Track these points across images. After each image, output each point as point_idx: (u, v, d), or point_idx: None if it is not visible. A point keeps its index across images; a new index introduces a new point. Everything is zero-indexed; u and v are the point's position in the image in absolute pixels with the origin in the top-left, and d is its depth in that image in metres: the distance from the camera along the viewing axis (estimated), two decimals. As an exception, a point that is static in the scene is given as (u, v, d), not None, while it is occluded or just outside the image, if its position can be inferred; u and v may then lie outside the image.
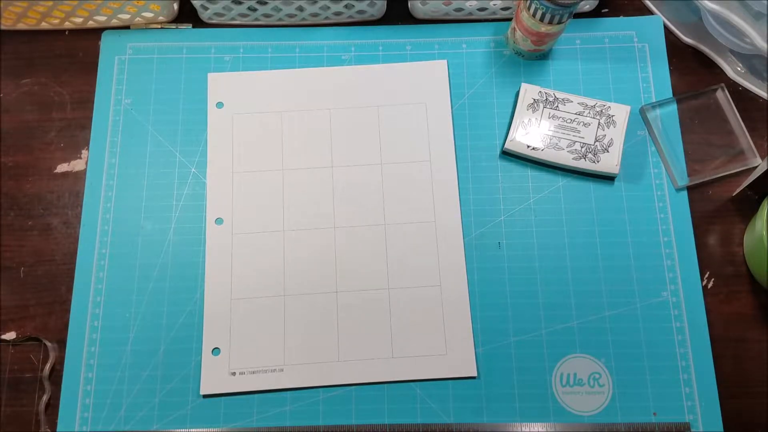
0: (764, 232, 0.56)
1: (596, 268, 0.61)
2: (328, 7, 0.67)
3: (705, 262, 0.62)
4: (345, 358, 0.59)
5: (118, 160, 0.65)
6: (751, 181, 0.61)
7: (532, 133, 0.64)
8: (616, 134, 0.63)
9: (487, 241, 0.62)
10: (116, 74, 0.67)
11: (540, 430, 0.57)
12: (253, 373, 0.58)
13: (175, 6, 0.69)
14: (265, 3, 0.66)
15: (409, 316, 0.60)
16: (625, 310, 0.60)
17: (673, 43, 0.69)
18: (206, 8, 0.67)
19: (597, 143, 0.63)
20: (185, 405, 0.58)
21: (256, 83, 0.67)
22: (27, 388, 0.59)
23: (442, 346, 0.59)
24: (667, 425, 0.57)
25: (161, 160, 0.65)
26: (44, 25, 0.68)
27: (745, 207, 0.64)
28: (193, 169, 0.65)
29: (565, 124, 0.64)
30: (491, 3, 0.67)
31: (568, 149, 0.63)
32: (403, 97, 0.66)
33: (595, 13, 0.70)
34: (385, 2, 0.67)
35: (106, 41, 0.69)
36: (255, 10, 0.67)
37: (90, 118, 0.66)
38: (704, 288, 0.61)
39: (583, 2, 0.67)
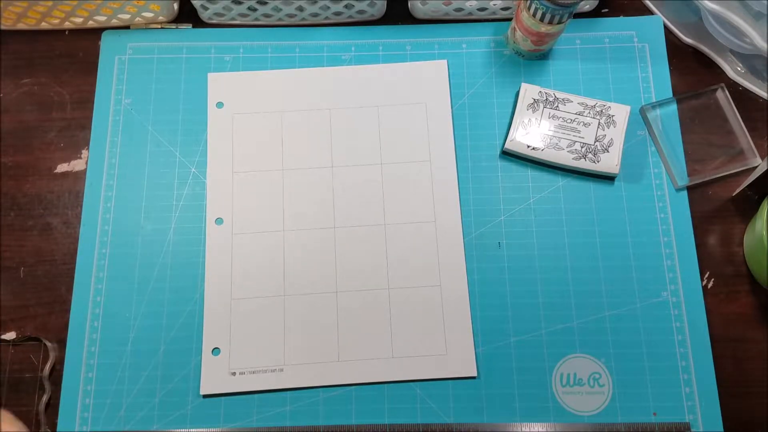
0: (764, 232, 0.56)
1: (596, 268, 0.61)
2: (328, 7, 0.67)
3: (705, 262, 0.62)
4: (345, 358, 0.59)
5: (118, 160, 0.65)
6: (751, 181, 0.61)
7: (532, 133, 0.64)
8: (616, 134, 0.63)
9: (487, 241, 0.62)
10: (116, 74, 0.67)
11: (540, 430, 0.57)
12: (253, 373, 0.58)
13: (175, 6, 0.69)
14: (265, 3, 0.66)
15: (409, 316, 0.60)
16: (625, 310, 0.60)
17: (673, 43, 0.69)
18: (206, 8, 0.67)
19: (597, 143, 0.63)
20: (185, 405, 0.58)
21: (256, 83, 0.67)
22: (27, 388, 0.59)
23: (442, 346, 0.59)
24: (667, 425, 0.57)
25: (161, 160, 0.65)
26: (44, 25, 0.68)
27: (745, 207, 0.64)
28: (193, 169, 0.65)
29: (565, 124, 0.64)
30: (491, 3, 0.67)
31: (568, 149, 0.63)
32: (403, 97, 0.66)
33: (595, 13, 0.70)
34: (385, 2, 0.67)
35: (106, 41, 0.69)
36: (255, 10, 0.67)
37: (90, 118, 0.66)
38: (704, 288, 0.61)
39: (583, 2, 0.67)
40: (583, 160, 0.63)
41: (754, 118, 0.66)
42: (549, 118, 0.64)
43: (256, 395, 0.58)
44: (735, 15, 0.59)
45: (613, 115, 0.64)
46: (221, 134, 0.65)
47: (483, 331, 0.60)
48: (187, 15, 0.69)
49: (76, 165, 0.65)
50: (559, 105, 0.64)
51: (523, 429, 0.57)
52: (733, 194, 0.64)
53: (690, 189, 0.64)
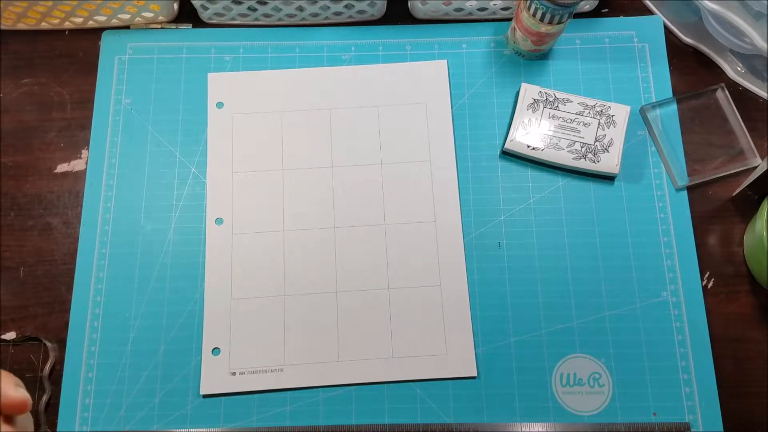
0: (764, 232, 0.56)
1: (596, 268, 0.61)
2: (328, 7, 0.67)
3: (705, 262, 0.62)
4: (345, 358, 0.59)
5: (118, 160, 0.65)
6: (751, 181, 0.61)
7: (532, 133, 0.64)
8: (616, 134, 0.63)
9: (487, 241, 0.62)
10: (116, 74, 0.67)
11: (540, 430, 0.57)
12: (253, 373, 0.58)
13: (175, 6, 0.69)
14: (265, 3, 0.66)
15: (409, 316, 0.60)
16: (625, 310, 0.60)
17: (673, 43, 0.69)
18: (206, 8, 0.67)
19: (597, 143, 0.63)
20: (185, 405, 0.58)
21: (256, 83, 0.67)
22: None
23: (442, 346, 0.59)
24: (667, 425, 0.57)
25: (161, 160, 0.65)
26: (44, 25, 0.68)
27: (745, 207, 0.64)
28: (193, 169, 0.65)
29: (565, 124, 0.64)
30: (491, 3, 0.67)
31: (568, 149, 0.63)
32: (403, 97, 0.66)
33: (595, 13, 0.70)
34: (385, 2, 0.67)
35: (106, 41, 0.69)
36: (255, 10, 0.67)
37: (90, 118, 0.66)
38: (704, 288, 0.61)
39: (583, 2, 0.67)
40: (583, 160, 0.63)
41: (754, 118, 0.66)
42: (549, 118, 0.64)
43: (256, 395, 0.58)
44: (735, 15, 0.59)
45: (613, 115, 0.64)
46: (221, 134, 0.65)
47: (483, 331, 0.60)
48: (187, 15, 0.69)
49: (76, 165, 0.65)
50: (559, 105, 0.64)
51: (523, 429, 0.57)
52: (733, 194, 0.64)
53: (690, 189, 0.64)
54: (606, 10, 0.70)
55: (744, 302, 0.61)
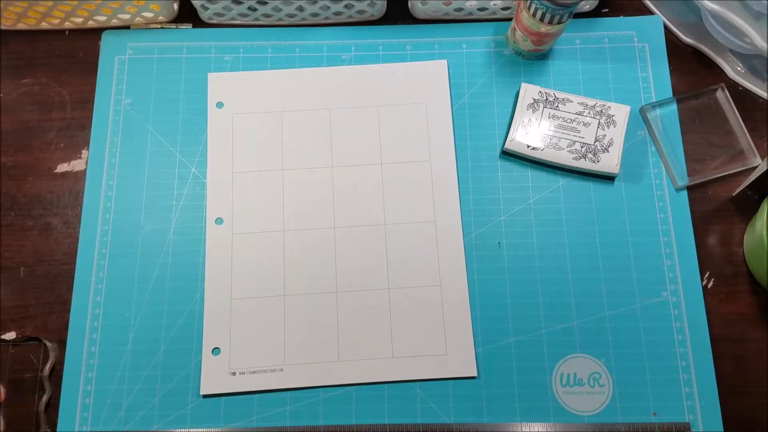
0: (764, 232, 0.56)
1: (596, 268, 0.61)
2: (328, 7, 0.67)
3: (705, 262, 0.62)
4: (345, 358, 0.59)
5: (118, 160, 0.65)
6: (751, 181, 0.61)
7: (532, 133, 0.64)
8: (616, 134, 0.63)
9: (487, 241, 0.62)
10: (116, 74, 0.67)
11: (540, 430, 0.57)
12: (253, 373, 0.58)
13: (175, 6, 0.69)
14: (265, 3, 0.66)
15: (409, 316, 0.60)
16: (625, 310, 0.60)
17: (673, 43, 0.69)
18: (206, 8, 0.67)
19: (597, 143, 0.63)
20: (185, 405, 0.58)
21: (256, 83, 0.67)
22: (27, 388, 0.59)
23: (442, 346, 0.59)
24: (667, 425, 0.57)
25: (161, 160, 0.65)
26: (44, 25, 0.68)
27: (745, 207, 0.64)
28: (193, 169, 0.65)
29: (565, 124, 0.64)
30: (491, 3, 0.67)
31: (568, 149, 0.63)
32: (403, 97, 0.66)
33: (595, 13, 0.70)
34: (385, 2, 0.67)
35: (106, 41, 0.69)
36: (255, 10, 0.67)
37: (90, 118, 0.66)
38: (704, 288, 0.61)
39: (583, 2, 0.67)
40: (583, 160, 0.63)
41: (754, 118, 0.66)
42: (549, 118, 0.64)
43: (256, 395, 0.58)
44: (735, 15, 0.59)
45: (613, 115, 0.64)
46: (221, 134, 0.65)
47: (483, 331, 0.60)
48: (187, 15, 0.69)
49: (76, 165, 0.65)
50: (559, 105, 0.64)
51: (523, 429, 0.57)
52: (733, 194, 0.64)
53: (690, 189, 0.64)
54: (606, 10, 0.70)
55: (744, 302, 0.61)
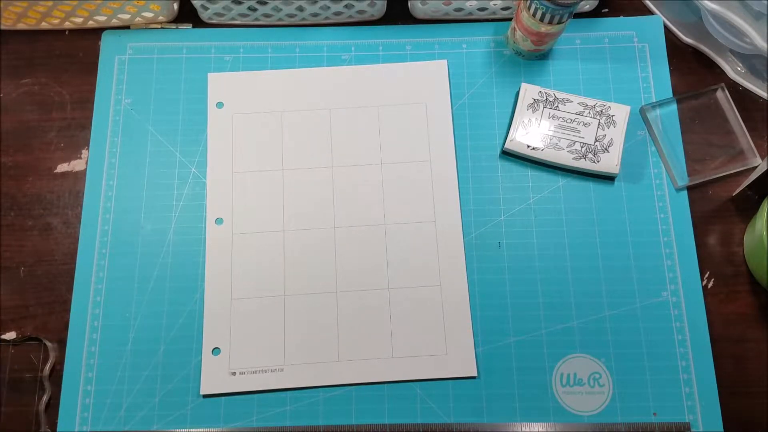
0: (764, 232, 0.56)
1: (596, 268, 0.61)
2: (328, 7, 0.67)
3: (705, 262, 0.62)
4: (345, 358, 0.59)
5: (118, 160, 0.65)
6: (751, 181, 0.61)
7: (532, 133, 0.64)
8: (616, 134, 0.63)
9: (487, 241, 0.62)
10: (116, 74, 0.67)
11: (540, 430, 0.57)
12: (253, 373, 0.58)
13: (175, 6, 0.69)
14: (265, 3, 0.66)
15: (409, 316, 0.60)
16: (625, 310, 0.60)
17: (673, 43, 0.69)
18: (206, 8, 0.67)
19: (597, 143, 0.63)
20: (185, 405, 0.58)
21: (256, 83, 0.67)
22: (27, 388, 0.59)
23: (442, 346, 0.59)
24: (667, 425, 0.57)
25: (161, 160, 0.65)
26: (44, 25, 0.68)
27: (745, 207, 0.64)
28: (193, 169, 0.65)
29: (565, 124, 0.64)
30: (491, 3, 0.67)
31: (568, 149, 0.63)
32: (403, 97, 0.66)
33: (595, 13, 0.70)
34: (385, 2, 0.67)
35: (106, 41, 0.69)
36: (255, 10, 0.67)
37: (90, 118, 0.66)
38: (704, 288, 0.61)
39: (583, 2, 0.67)
40: (583, 160, 0.63)
41: (754, 118, 0.66)
42: (549, 118, 0.64)
43: (256, 395, 0.58)
44: (735, 15, 0.59)
45: (613, 115, 0.64)
46: (221, 134, 0.65)
47: (483, 331, 0.60)
48: (187, 15, 0.69)
49: (76, 165, 0.65)
50: (559, 105, 0.64)
51: (523, 429, 0.57)
52: (733, 194, 0.64)
53: (690, 189, 0.64)
54: (606, 10, 0.70)
55: (744, 302, 0.61)
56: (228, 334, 0.59)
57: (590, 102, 0.64)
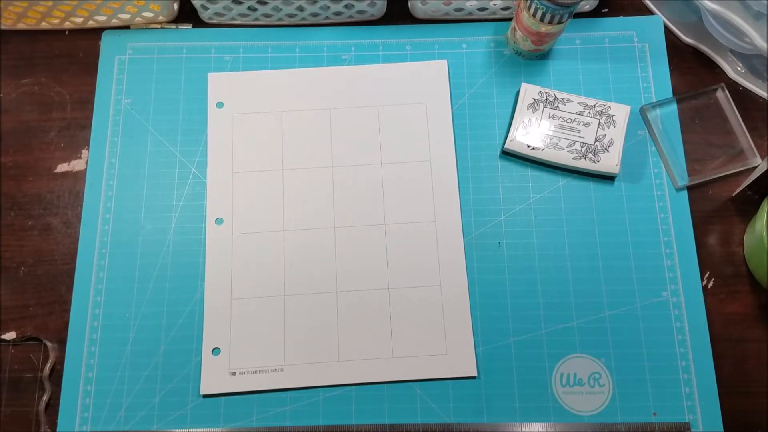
0: (764, 232, 0.56)
1: (596, 268, 0.61)
2: (328, 7, 0.67)
3: (705, 262, 0.62)
4: (345, 358, 0.59)
5: (118, 160, 0.65)
6: (751, 181, 0.61)
7: (532, 132, 0.64)
8: (616, 134, 0.63)
9: (487, 241, 0.62)
10: (116, 74, 0.67)
11: (540, 430, 0.57)
12: (253, 373, 0.58)
13: (175, 6, 0.69)
14: (265, 3, 0.66)
15: (409, 315, 0.60)
16: (625, 310, 0.60)
17: (673, 43, 0.69)
18: (206, 8, 0.67)
19: (597, 143, 0.63)
20: (185, 405, 0.58)
21: (256, 83, 0.67)
22: (27, 388, 0.59)
23: (442, 346, 0.59)
24: (667, 425, 0.57)
25: (161, 160, 0.65)
26: (44, 25, 0.68)
27: (745, 207, 0.64)
28: (193, 169, 0.65)
29: (565, 123, 0.64)
30: (491, 3, 0.67)
31: (568, 149, 0.63)
32: (403, 97, 0.66)
33: (595, 13, 0.70)
34: (385, 2, 0.67)
35: (106, 41, 0.69)
36: (255, 10, 0.67)
37: (90, 118, 0.66)
38: (704, 288, 0.61)
39: (583, 2, 0.67)
40: (583, 160, 0.63)
41: (754, 118, 0.66)
42: (549, 118, 0.64)
43: (256, 395, 0.58)
44: (735, 15, 0.59)
45: (613, 115, 0.64)
46: (221, 134, 0.65)
47: (483, 331, 0.60)
48: (187, 15, 0.69)
49: (76, 165, 0.65)
50: (559, 105, 0.64)
51: (523, 429, 0.57)
52: (733, 194, 0.64)
53: (690, 189, 0.64)
54: (606, 10, 0.70)
55: (744, 302, 0.61)
56: (228, 334, 0.59)
57: (590, 102, 0.64)
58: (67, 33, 0.69)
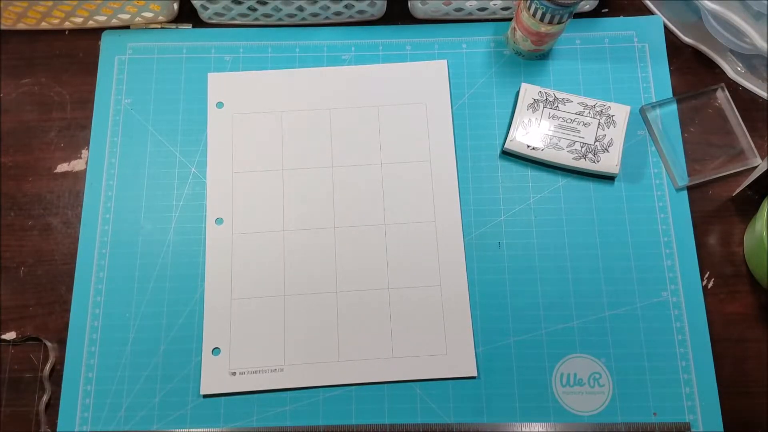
0: (764, 232, 0.56)
1: (596, 268, 0.61)
2: (328, 7, 0.67)
3: (705, 262, 0.62)
4: (345, 358, 0.59)
5: (118, 160, 0.65)
6: (751, 181, 0.61)
7: (532, 133, 0.64)
8: (616, 134, 0.63)
9: (487, 241, 0.62)
10: (116, 74, 0.67)
11: (540, 430, 0.57)
12: (253, 373, 0.58)
13: (175, 6, 0.69)
14: (265, 3, 0.66)
15: (409, 315, 0.60)
16: (625, 310, 0.60)
17: (673, 43, 0.69)
18: (206, 8, 0.67)
19: (597, 143, 0.63)
20: (185, 405, 0.58)
21: (256, 83, 0.67)
22: (27, 388, 0.59)
23: (442, 346, 0.59)
24: (667, 425, 0.57)
25: (161, 160, 0.65)
26: (44, 25, 0.68)
27: (745, 207, 0.64)
28: (193, 169, 0.65)
29: (565, 124, 0.64)
30: (491, 3, 0.67)
31: (568, 149, 0.63)
32: (403, 97, 0.66)
33: (595, 13, 0.70)
34: (385, 2, 0.67)
35: (106, 41, 0.69)
36: (255, 10, 0.67)
37: (90, 118, 0.66)
38: (704, 288, 0.61)
39: (583, 2, 0.67)
40: (583, 160, 0.63)
41: (754, 118, 0.66)
42: (549, 118, 0.64)
43: (256, 395, 0.58)
44: (735, 15, 0.59)
45: (613, 115, 0.64)
46: (221, 134, 0.65)
47: (483, 331, 0.60)
48: (187, 15, 0.69)
49: (76, 165, 0.65)
50: (559, 105, 0.64)
51: (523, 429, 0.57)
52: (733, 194, 0.64)
53: (690, 189, 0.64)
54: (606, 10, 0.70)
55: (744, 302, 0.61)
56: (228, 334, 0.59)
57: (590, 102, 0.64)
58: (67, 33, 0.69)
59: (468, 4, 0.67)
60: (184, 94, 0.67)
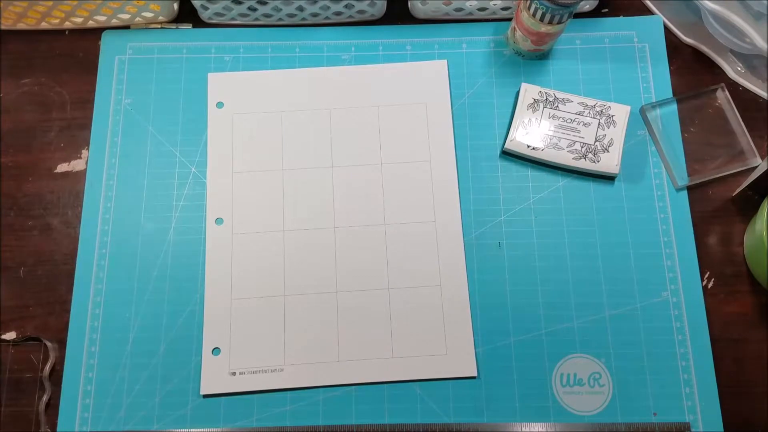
0: (764, 232, 0.56)
1: (596, 268, 0.61)
2: (328, 7, 0.67)
3: (705, 262, 0.62)
4: (345, 358, 0.59)
5: (118, 160, 0.65)
6: (751, 181, 0.61)
7: (532, 133, 0.64)
8: (616, 134, 0.63)
9: (487, 241, 0.62)
10: (116, 74, 0.67)
11: (540, 430, 0.57)
12: (253, 373, 0.58)
13: (175, 6, 0.69)
14: (265, 3, 0.66)
15: (409, 316, 0.60)
16: (625, 310, 0.60)
17: (673, 43, 0.69)
18: (206, 8, 0.67)
19: (597, 143, 0.63)
20: (185, 405, 0.58)
21: (256, 83, 0.67)
22: (27, 388, 0.59)
23: (442, 346, 0.59)
24: (667, 425, 0.57)
25: (161, 160, 0.65)
26: (44, 25, 0.68)
27: (745, 207, 0.64)
28: (193, 169, 0.65)
29: (565, 124, 0.64)
30: (491, 3, 0.67)
31: (568, 149, 0.63)
32: (403, 97, 0.66)
33: (595, 13, 0.70)
34: (385, 2, 0.67)
35: (106, 41, 0.69)
36: (255, 10, 0.67)
37: (90, 118, 0.66)
38: (704, 288, 0.61)
39: (583, 2, 0.67)
40: (583, 160, 0.63)
41: (754, 118, 0.66)
42: (549, 118, 0.64)
43: (256, 395, 0.58)
44: (735, 15, 0.59)
45: (613, 115, 0.64)
46: (221, 134, 0.65)
47: (483, 331, 0.60)
48: (187, 15, 0.69)
49: (76, 165, 0.65)
50: (559, 105, 0.64)
51: (523, 429, 0.57)
52: (733, 194, 0.64)
53: (690, 189, 0.64)
54: (606, 10, 0.70)
55: (744, 302, 0.61)
56: (228, 334, 0.59)
57: (590, 102, 0.64)
58: (67, 33, 0.69)
59: (468, 4, 0.67)
60: (184, 94, 0.67)
